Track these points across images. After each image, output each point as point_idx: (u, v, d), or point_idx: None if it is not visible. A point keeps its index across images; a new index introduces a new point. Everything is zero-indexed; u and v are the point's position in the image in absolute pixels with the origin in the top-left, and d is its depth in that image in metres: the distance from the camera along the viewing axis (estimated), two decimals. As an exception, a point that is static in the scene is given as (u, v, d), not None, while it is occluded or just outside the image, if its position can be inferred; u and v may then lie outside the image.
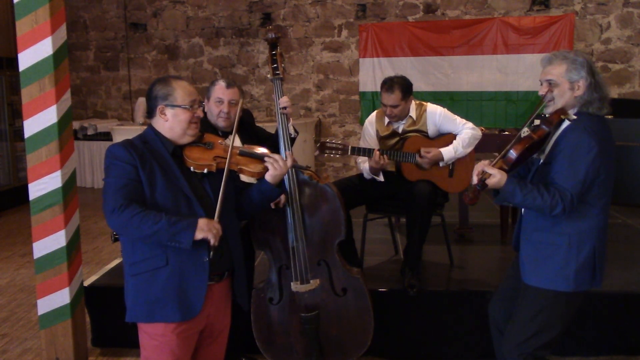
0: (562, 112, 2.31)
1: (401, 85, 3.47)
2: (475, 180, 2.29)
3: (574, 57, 2.31)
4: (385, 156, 3.39)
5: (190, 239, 2.04)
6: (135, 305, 2.15)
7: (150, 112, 2.26)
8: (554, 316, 2.38)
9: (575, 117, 2.31)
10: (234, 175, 2.37)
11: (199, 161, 2.22)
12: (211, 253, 2.11)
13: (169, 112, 2.20)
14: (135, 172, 2.10)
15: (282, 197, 2.81)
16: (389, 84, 3.49)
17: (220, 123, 2.95)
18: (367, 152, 3.42)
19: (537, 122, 3.14)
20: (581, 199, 2.27)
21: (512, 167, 2.30)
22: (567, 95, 2.31)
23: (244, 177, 2.45)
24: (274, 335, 2.94)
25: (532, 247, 2.42)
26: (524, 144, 2.26)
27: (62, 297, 3.20)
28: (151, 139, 2.22)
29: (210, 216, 2.13)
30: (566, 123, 2.32)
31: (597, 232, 2.33)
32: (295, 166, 2.60)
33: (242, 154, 2.34)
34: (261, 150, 2.40)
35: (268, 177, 2.33)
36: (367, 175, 3.56)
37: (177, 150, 2.23)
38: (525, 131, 2.32)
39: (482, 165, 2.27)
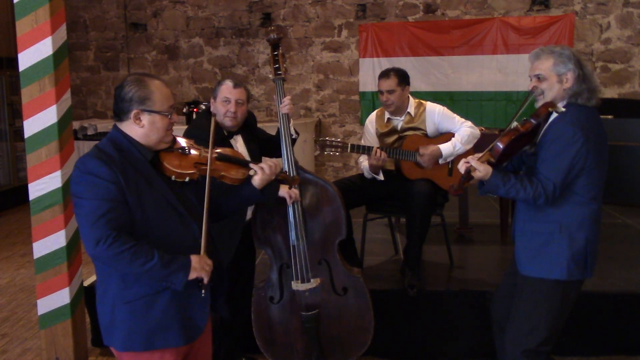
0: (550, 105, 2.35)
1: (397, 72, 3.57)
2: (462, 170, 2.35)
3: (560, 51, 2.37)
4: (384, 153, 3.39)
5: (184, 280, 1.92)
6: (131, 333, 1.95)
7: (120, 115, 1.99)
8: (552, 307, 2.40)
9: (563, 109, 2.36)
10: (215, 182, 2.21)
11: (179, 169, 2.04)
12: (203, 291, 2.00)
13: (145, 117, 1.96)
14: (119, 190, 1.86)
15: (295, 193, 2.80)
16: (385, 71, 3.61)
17: (227, 122, 2.92)
18: (367, 150, 3.43)
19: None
20: (569, 189, 2.32)
21: (500, 159, 2.34)
22: (556, 88, 2.37)
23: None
24: (274, 335, 2.94)
25: (525, 238, 2.46)
26: (510, 136, 2.30)
27: (62, 297, 3.20)
28: (125, 146, 1.97)
29: (201, 226, 2.02)
30: (555, 115, 2.36)
31: (589, 222, 2.37)
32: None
33: (221, 159, 2.19)
34: (228, 151, 2.28)
35: (257, 181, 2.22)
36: (367, 174, 3.57)
37: (153, 158, 2.02)
38: (514, 125, 2.36)
39: (469, 159, 2.34)
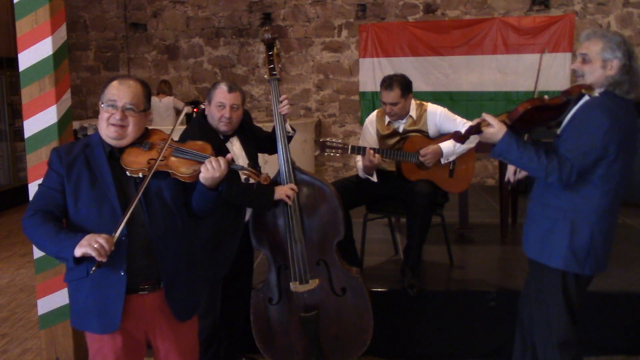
0: (584, 87, 2.26)
1: (400, 83, 3.49)
2: (474, 122, 2.29)
3: (612, 37, 2.27)
4: (378, 155, 3.37)
5: (69, 256, 1.90)
6: (71, 311, 2.15)
7: None
8: (556, 295, 2.34)
9: (597, 94, 2.26)
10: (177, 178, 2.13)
11: (132, 165, 2.06)
12: (94, 268, 1.90)
13: (100, 110, 2.12)
14: (59, 180, 2.04)
15: (291, 194, 2.79)
16: (388, 81, 3.51)
17: (222, 128, 2.83)
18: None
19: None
20: (584, 176, 2.23)
21: (516, 123, 2.25)
22: (598, 73, 2.26)
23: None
24: (273, 336, 2.94)
25: (533, 220, 2.44)
26: (533, 103, 2.22)
27: (62, 297, 3.20)
28: (93, 142, 2.12)
29: (138, 222, 2.02)
30: (587, 98, 2.29)
31: (597, 216, 2.27)
32: (232, 167, 2.21)
33: (176, 154, 2.13)
34: (199, 144, 2.18)
35: (201, 178, 2.10)
36: (361, 174, 3.55)
37: (115, 153, 2.10)
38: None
39: (484, 114, 2.28)
